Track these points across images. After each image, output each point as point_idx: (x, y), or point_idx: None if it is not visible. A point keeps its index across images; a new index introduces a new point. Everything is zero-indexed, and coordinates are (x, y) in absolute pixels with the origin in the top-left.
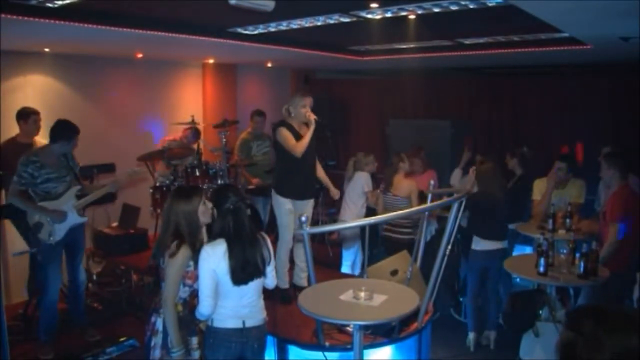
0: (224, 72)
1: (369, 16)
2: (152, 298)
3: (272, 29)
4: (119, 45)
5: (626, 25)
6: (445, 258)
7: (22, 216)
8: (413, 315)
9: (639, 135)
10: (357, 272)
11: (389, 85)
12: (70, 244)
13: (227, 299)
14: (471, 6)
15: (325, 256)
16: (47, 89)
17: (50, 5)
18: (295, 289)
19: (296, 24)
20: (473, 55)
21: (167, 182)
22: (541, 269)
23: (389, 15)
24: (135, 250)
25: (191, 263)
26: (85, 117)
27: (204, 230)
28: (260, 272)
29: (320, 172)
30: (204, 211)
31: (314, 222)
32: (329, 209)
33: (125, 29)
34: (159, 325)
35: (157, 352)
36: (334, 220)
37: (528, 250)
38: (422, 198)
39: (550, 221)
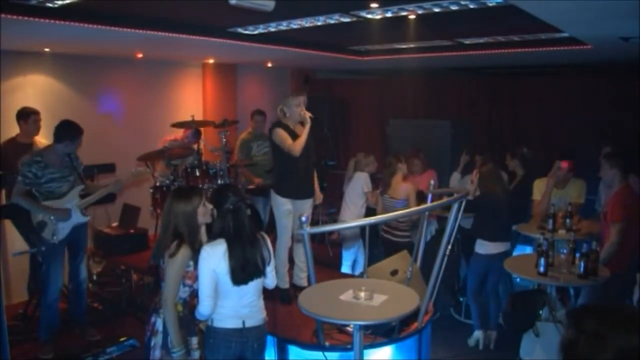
0: (224, 72)
1: (369, 16)
2: (152, 298)
3: (272, 29)
4: (119, 45)
5: (626, 25)
6: (445, 258)
7: (23, 216)
8: (413, 315)
9: (639, 135)
10: (357, 272)
11: (389, 85)
12: (72, 243)
13: (227, 299)
14: (471, 6)
15: (325, 256)
16: (47, 89)
17: (50, 5)
18: (295, 289)
19: (296, 24)
20: (473, 55)
21: (167, 182)
22: (541, 269)
23: (389, 15)
24: (135, 250)
25: (191, 263)
26: (86, 117)
27: (203, 230)
28: (260, 272)
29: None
30: (204, 212)
31: (314, 222)
32: (329, 209)
33: (125, 29)
34: (159, 325)
35: (157, 352)
36: (334, 220)
37: (528, 250)
38: (421, 198)
39: (551, 221)
